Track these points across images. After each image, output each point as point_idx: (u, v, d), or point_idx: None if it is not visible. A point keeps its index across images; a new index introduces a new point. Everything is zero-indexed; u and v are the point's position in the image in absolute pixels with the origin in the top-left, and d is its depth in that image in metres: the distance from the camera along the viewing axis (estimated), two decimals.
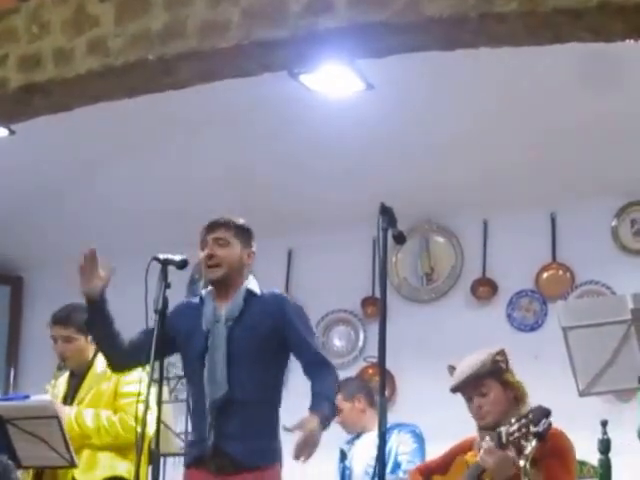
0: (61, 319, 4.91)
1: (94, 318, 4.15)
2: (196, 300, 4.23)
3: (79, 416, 4.75)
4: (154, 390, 3.92)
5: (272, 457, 4.02)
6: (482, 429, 3.99)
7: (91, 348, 4.93)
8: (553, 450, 3.80)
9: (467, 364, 4.04)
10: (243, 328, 4.04)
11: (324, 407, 3.90)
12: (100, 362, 4.89)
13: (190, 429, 4.25)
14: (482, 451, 3.76)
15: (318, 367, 4.03)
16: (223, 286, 4.12)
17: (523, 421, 3.68)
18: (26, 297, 8.48)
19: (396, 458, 5.44)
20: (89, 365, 4.92)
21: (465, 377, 3.99)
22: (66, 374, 5.07)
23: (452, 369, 4.14)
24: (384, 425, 3.36)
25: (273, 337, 4.06)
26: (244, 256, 4.14)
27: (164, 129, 6.47)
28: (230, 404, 3.96)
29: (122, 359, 4.19)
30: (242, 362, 4.00)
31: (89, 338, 4.88)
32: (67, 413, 4.73)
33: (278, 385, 4.12)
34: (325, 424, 3.87)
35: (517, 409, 3.95)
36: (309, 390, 4.05)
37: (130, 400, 4.63)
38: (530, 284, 6.84)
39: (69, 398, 4.92)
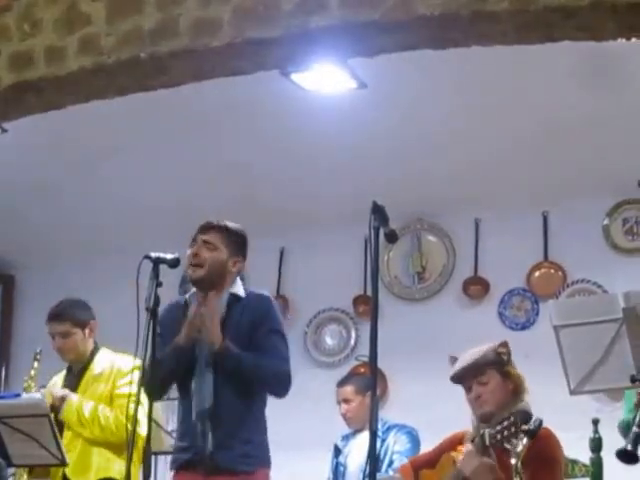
0: (56, 315, 4.92)
1: (179, 360, 4.07)
2: (181, 302, 4.22)
3: (80, 405, 4.80)
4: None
5: (261, 462, 4.05)
6: (479, 419, 4.00)
7: (89, 342, 4.94)
8: (541, 453, 3.80)
9: (469, 354, 4.07)
10: (228, 334, 4.03)
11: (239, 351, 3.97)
12: (98, 363, 4.90)
13: (178, 435, 4.24)
14: (462, 456, 3.77)
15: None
16: (204, 288, 4.12)
17: (505, 423, 3.68)
18: (18, 296, 8.46)
19: (391, 456, 5.47)
20: (87, 362, 4.93)
21: (466, 364, 4.02)
22: (62, 372, 5.07)
23: (453, 359, 4.17)
24: (375, 424, 3.36)
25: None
26: (229, 263, 4.14)
27: (159, 128, 6.45)
28: (217, 414, 3.97)
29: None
30: None
31: (86, 331, 4.89)
32: (71, 397, 4.80)
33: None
34: (227, 347, 3.93)
35: (514, 402, 3.97)
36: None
37: (125, 401, 4.64)
38: (522, 283, 6.84)
39: None
